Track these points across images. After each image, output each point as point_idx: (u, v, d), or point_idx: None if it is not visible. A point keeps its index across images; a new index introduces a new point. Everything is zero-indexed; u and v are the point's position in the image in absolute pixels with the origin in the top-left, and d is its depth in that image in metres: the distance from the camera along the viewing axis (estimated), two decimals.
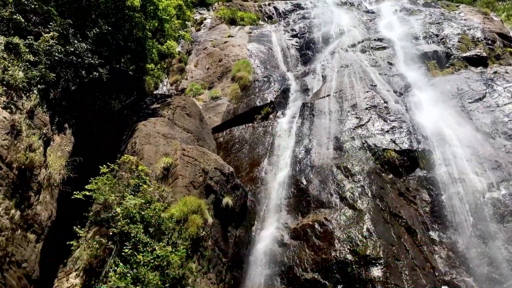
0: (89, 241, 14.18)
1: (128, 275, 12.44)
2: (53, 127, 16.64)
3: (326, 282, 15.73)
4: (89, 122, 19.99)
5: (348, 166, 20.01)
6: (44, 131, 15.47)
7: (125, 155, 16.52)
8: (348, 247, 16.30)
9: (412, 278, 15.46)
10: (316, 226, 17.70)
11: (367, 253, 15.77)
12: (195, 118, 23.82)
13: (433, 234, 18.18)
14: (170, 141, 18.79)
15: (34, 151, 14.32)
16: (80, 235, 14.43)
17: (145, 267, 12.88)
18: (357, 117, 23.35)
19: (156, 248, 13.47)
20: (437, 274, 16.94)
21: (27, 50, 15.66)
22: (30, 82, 15.25)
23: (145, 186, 15.09)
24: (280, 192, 20.60)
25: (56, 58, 17.04)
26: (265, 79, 30.80)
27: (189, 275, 13.91)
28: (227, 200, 17.43)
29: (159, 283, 12.74)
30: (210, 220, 15.96)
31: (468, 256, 17.02)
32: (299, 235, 17.83)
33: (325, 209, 18.44)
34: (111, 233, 13.81)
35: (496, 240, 16.96)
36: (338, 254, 16.18)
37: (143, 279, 12.52)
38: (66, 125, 17.70)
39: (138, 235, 13.45)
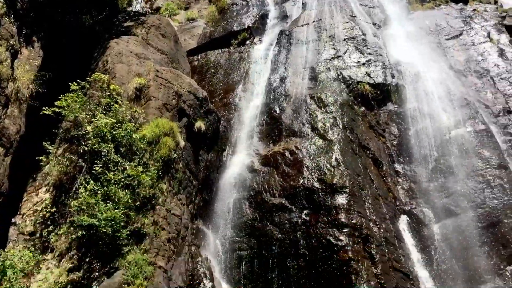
0: (59, 158, 14.15)
1: (99, 192, 12.61)
2: (21, 39, 15.96)
3: (293, 208, 16.28)
4: (59, 37, 19.18)
5: (322, 97, 20.08)
6: (11, 42, 14.83)
7: (96, 73, 16.11)
8: (316, 175, 16.74)
9: (374, 207, 16.17)
10: (287, 154, 18.03)
11: (334, 182, 16.26)
12: (170, 40, 23.15)
13: (398, 167, 18.82)
14: (143, 61, 18.33)
15: (0, 62, 13.80)
16: (50, 151, 14.36)
17: (116, 185, 13.05)
18: (334, 48, 23.13)
19: (127, 168, 13.58)
20: (398, 204, 17.76)
21: None
22: None
23: (116, 105, 14.89)
24: (253, 119, 20.70)
25: None
26: (243, 2, 29.84)
27: (160, 195, 14.18)
28: (200, 124, 17.45)
29: (130, 201, 12.99)
30: (182, 143, 16.04)
31: (428, 189, 17.80)
32: (269, 162, 18.17)
33: (296, 138, 18.70)
34: (81, 151, 13.78)
35: (456, 174, 17.70)
36: (306, 182, 16.65)
37: (113, 196, 12.72)
38: (34, 38, 16.98)
39: (109, 154, 13.47)
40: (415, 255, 16.22)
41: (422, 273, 15.75)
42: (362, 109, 20.46)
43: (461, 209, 16.74)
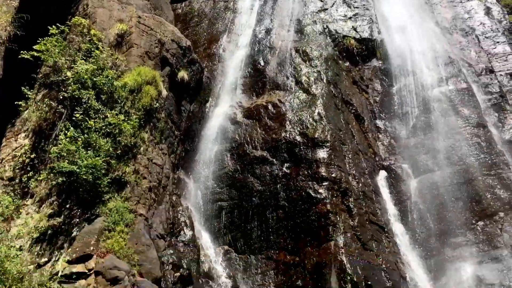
0: (39, 104, 13.88)
1: (79, 139, 12.48)
2: None
3: (274, 160, 16.42)
4: None
5: (307, 50, 19.88)
6: None
7: (76, 17, 15.55)
8: (298, 129, 16.81)
9: (354, 161, 16.41)
10: (270, 107, 17.99)
11: (316, 136, 16.36)
12: None
13: (379, 123, 19.01)
14: (125, 6, 17.72)
15: None
16: (29, 96, 14.04)
17: (97, 133, 12.91)
18: (321, 0, 22.70)
19: (108, 116, 13.40)
20: (377, 159, 18.06)
21: None
22: None
23: (97, 52, 14.49)
24: (237, 71, 20.46)
25: None
26: None
27: (141, 144, 14.11)
28: (183, 74, 17.18)
29: (111, 149, 12.90)
30: (165, 92, 15.83)
31: (408, 145, 18.11)
32: (252, 115, 18.14)
33: (280, 91, 18.63)
34: (61, 97, 13.51)
35: (436, 132, 17.99)
36: (288, 135, 16.73)
37: (94, 144, 12.61)
38: None
39: (89, 101, 13.24)
40: (391, 209, 16.69)
41: (397, 226, 16.27)
42: (347, 64, 20.38)
43: (438, 166, 17.14)
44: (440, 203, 16.33)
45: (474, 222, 15.69)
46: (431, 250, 15.60)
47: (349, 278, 12.68)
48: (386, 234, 15.24)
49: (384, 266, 13.91)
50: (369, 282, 12.82)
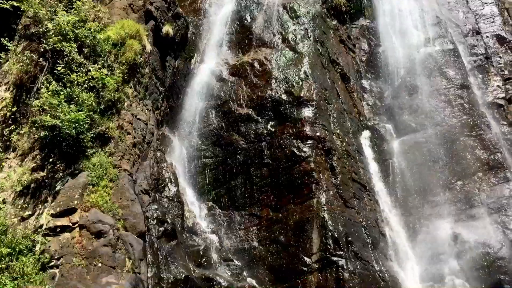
0: (19, 56, 13.56)
1: (62, 93, 12.25)
2: None
3: (259, 118, 16.41)
4: None
5: (295, 7, 19.53)
6: None
7: None
8: (284, 87, 16.72)
9: (338, 121, 16.50)
10: (256, 64, 17.81)
11: (301, 95, 16.31)
12: None
13: (365, 83, 19.04)
14: None
15: None
16: (9, 48, 13.67)
17: (80, 87, 12.71)
18: None
19: (91, 70, 13.14)
20: (361, 119, 18.19)
21: None
22: None
23: (79, 3, 14.03)
24: (223, 27, 20.09)
25: None
26: None
27: (125, 99, 13.95)
28: (168, 28, 16.82)
29: (94, 104, 12.73)
30: (149, 47, 15.53)
31: (392, 105, 18.24)
32: (237, 72, 17.97)
33: (266, 49, 18.40)
34: (42, 50, 13.20)
35: (420, 92, 18.10)
36: (273, 93, 16.65)
37: (77, 98, 12.42)
38: None
39: (71, 54, 12.94)
40: (373, 168, 16.98)
41: (378, 185, 16.60)
42: (334, 22, 20.14)
43: (421, 127, 17.36)
44: (421, 163, 16.65)
45: (453, 181, 16.07)
46: (410, 208, 16.03)
47: (330, 234, 12.98)
48: (368, 193, 15.56)
49: (364, 223, 14.29)
50: (350, 238, 13.16)
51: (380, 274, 12.99)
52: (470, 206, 15.36)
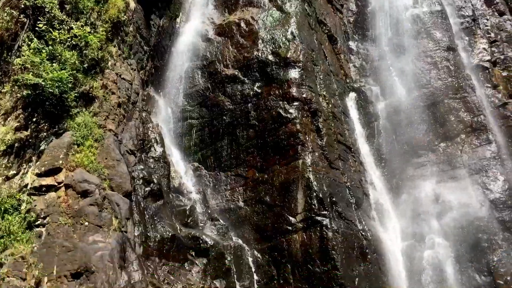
0: None
1: (44, 51, 11.96)
2: None
3: (245, 79, 16.28)
4: None
5: None
6: None
7: None
8: (271, 48, 16.54)
9: (325, 83, 16.46)
10: (242, 24, 17.52)
11: (288, 56, 16.15)
12: None
13: (352, 44, 18.90)
14: None
15: None
16: None
17: (62, 45, 12.41)
18: None
19: (74, 27, 12.82)
20: (348, 81, 18.17)
21: None
22: None
23: None
24: None
25: None
26: None
27: (109, 58, 13.71)
28: None
29: (77, 62, 12.49)
30: (133, 4, 15.18)
31: (379, 67, 18.20)
32: (224, 32, 17.68)
33: (253, 8, 18.05)
34: (22, 6, 12.78)
35: (407, 55, 18.07)
36: (260, 54, 16.47)
37: (59, 56, 12.15)
38: None
39: (53, 11, 12.57)
40: (358, 130, 17.10)
41: (363, 146, 16.77)
42: None
43: (407, 89, 17.42)
44: (406, 125, 16.81)
45: (436, 143, 16.30)
46: (394, 169, 16.30)
47: (315, 194, 13.18)
48: (353, 154, 15.73)
49: (348, 183, 14.51)
50: (334, 199, 13.38)
51: (363, 233, 13.31)
52: (452, 168, 15.66)
